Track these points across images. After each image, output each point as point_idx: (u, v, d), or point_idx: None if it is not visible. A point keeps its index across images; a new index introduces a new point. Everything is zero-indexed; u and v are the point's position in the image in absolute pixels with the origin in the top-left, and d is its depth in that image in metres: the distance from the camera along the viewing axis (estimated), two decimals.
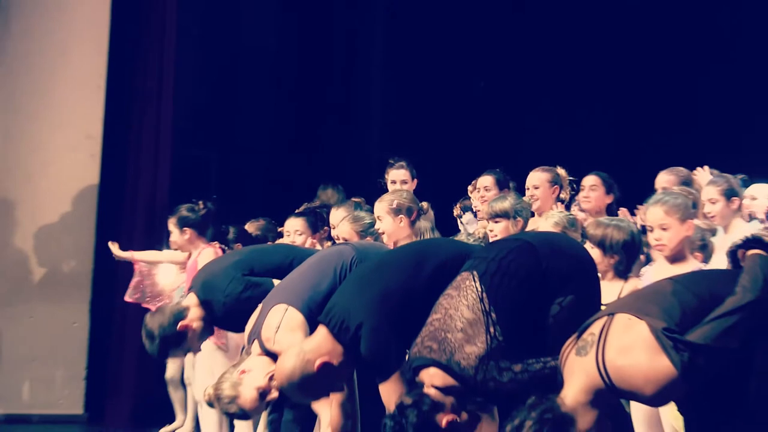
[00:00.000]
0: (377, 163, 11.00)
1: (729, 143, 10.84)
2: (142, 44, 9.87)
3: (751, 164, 8.12)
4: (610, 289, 6.07)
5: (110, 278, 9.44)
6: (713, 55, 11.12)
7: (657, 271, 5.80)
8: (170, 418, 8.89)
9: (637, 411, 5.75)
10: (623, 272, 5.92)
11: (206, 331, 5.77)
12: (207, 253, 7.45)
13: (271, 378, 5.11)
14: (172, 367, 8.54)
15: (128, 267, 8.93)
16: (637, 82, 11.28)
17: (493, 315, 4.23)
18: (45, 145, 9.52)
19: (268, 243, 7.96)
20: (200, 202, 7.64)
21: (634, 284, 5.70)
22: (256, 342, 5.23)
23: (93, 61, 9.65)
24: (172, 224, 7.65)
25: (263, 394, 5.12)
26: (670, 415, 5.47)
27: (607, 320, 3.96)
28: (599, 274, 6.16)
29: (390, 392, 4.61)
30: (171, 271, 8.45)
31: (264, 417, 7.93)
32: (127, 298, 8.48)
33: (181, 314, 5.67)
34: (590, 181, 7.63)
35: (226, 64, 10.46)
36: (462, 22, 11.17)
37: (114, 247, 8.53)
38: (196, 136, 10.88)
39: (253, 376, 5.15)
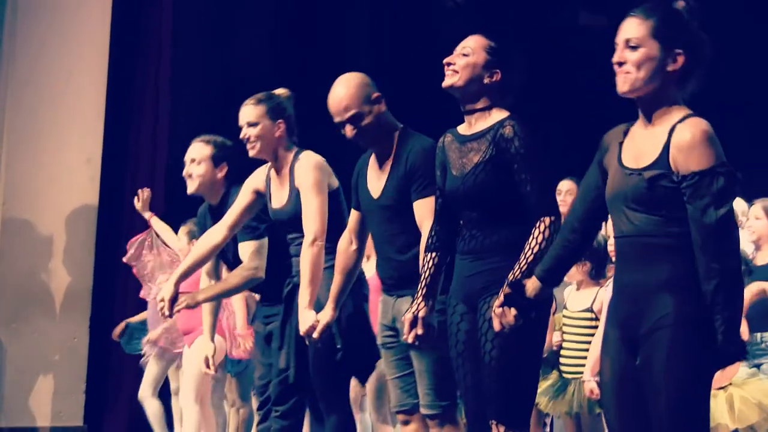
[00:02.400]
0: None
1: None
2: (139, 73, 10.13)
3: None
4: (587, 296, 6.50)
5: (109, 295, 9.71)
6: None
7: None
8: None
9: None
10: (596, 276, 6.33)
11: None
12: (209, 266, 7.80)
13: None
14: (176, 381, 8.66)
15: (126, 285, 9.27)
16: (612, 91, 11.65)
17: None
18: (47, 168, 9.67)
19: None
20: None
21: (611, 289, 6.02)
22: None
23: (93, 89, 9.83)
24: (182, 232, 8.01)
25: None
26: None
27: None
28: (575, 284, 6.63)
29: (424, 210, 4.80)
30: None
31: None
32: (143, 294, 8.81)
33: None
34: (566, 185, 7.88)
35: (222, 90, 10.57)
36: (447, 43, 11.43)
37: (138, 203, 8.84)
38: None
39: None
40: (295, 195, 5.58)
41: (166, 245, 8.77)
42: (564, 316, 6.60)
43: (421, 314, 4.55)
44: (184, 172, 6.26)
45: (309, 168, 5.53)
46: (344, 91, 5.07)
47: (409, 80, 10.41)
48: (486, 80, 4.48)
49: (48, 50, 9.74)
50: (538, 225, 4.28)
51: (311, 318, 5.24)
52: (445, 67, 4.54)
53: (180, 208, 8.91)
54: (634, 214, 3.70)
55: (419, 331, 4.55)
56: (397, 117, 5.18)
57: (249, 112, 5.69)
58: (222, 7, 11.38)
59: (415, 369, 4.99)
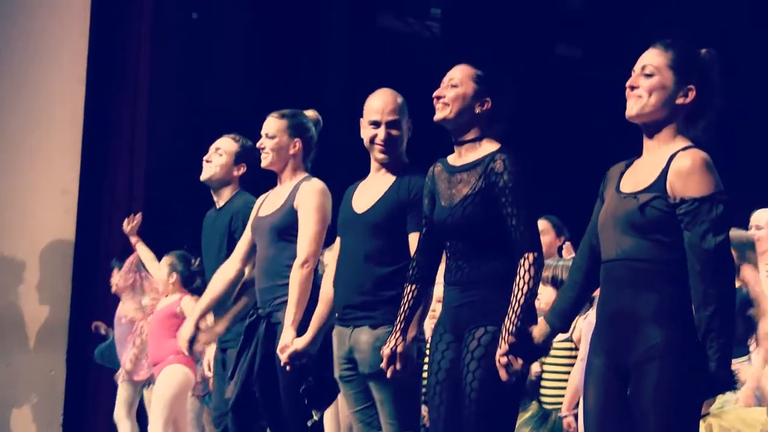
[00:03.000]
0: None
1: None
2: (116, 104, 10.12)
3: None
4: None
5: (86, 328, 9.58)
6: None
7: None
8: None
9: None
10: None
11: None
12: (187, 301, 7.80)
13: None
14: None
15: (103, 318, 9.22)
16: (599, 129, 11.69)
17: None
18: (23, 200, 9.63)
19: None
20: (198, 259, 8.00)
21: (590, 320, 5.88)
22: None
23: (69, 121, 9.81)
24: (165, 263, 7.97)
25: None
26: None
27: None
28: None
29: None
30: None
31: None
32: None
33: None
34: (541, 225, 7.85)
35: (196, 125, 10.60)
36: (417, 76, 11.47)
37: (128, 226, 8.79)
38: (168, 191, 11.04)
39: None
40: (287, 211, 5.61)
41: (147, 272, 8.73)
42: None
43: (399, 349, 4.56)
44: (205, 158, 6.37)
45: (316, 192, 5.58)
46: (391, 97, 5.10)
47: None
48: (477, 110, 4.50)
49: (24, 81, 9.71)
50: (522, 263, 4.29)
51: (289, 338, 5.29)
52: (435, 101, 4.56)
53: (157, 238, 8.94)
54: (624, 238, 3.72)
55: (398, 366, 4.56)
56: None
57: (270, 124, 5.77)
58: (199, 43, 11.41)
59: (375, 400, 4.99)
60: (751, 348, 6.31)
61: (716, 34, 10.10)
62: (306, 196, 5.56)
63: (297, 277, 5.39)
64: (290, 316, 5.35)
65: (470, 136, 4.52)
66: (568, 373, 6.36)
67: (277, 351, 5.33)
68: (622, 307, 3.72)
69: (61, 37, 9.85)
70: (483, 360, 4.25)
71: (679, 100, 3.77)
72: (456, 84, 4.52)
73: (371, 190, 5.12)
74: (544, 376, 6.57)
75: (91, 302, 9.69)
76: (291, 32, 11.89)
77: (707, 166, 3.66)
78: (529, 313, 4.21)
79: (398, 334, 4.57)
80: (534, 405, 6.57)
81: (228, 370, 5.81)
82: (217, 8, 11.91)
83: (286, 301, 5.47)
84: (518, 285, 4.24)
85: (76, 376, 9.81)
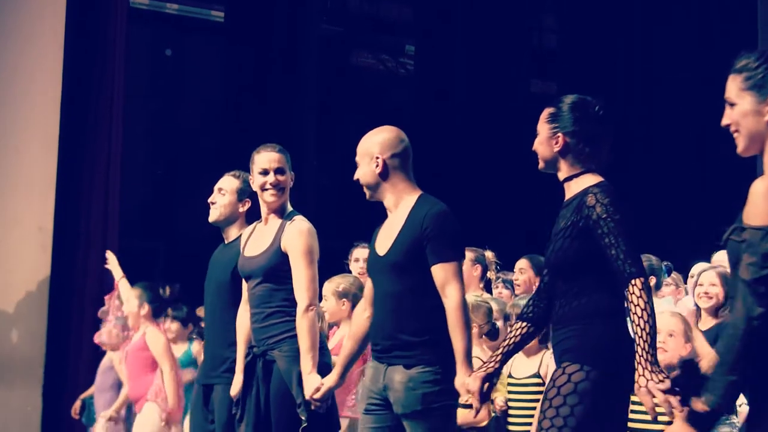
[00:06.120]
0: None
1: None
2: (90, 141, 10.19)
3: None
4: (534, 361, 6.53)
5: (62, 364, 9.65)
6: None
7: None
8: None
9: None
10: (544, 341, 6.38)
11: None
12: (152, 332, 7.78)
13: None
14: None
15: (79, 354, 9.23)
16: None
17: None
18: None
19: None
20: (168, 287, 7.99)
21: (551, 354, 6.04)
22: None
23: (44, 158, 9.85)
24: (134, 295, 7.84)
25: None
26: None
27: None
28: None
29: (445, 274, 4.80)
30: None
31: None
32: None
33: None
34: (520, 264, 7.91)
35: (170, 159, 10.65)
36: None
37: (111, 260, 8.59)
38: (143, 228, 11.08)
39: None
40: (274, 252, 5.63)
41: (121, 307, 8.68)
42: (510, 384, 6.56)
43: (494, 380, 4.49)
44: (209, 200, 6.40)
45: (303, 234, 5.60)
46: (392, 133, 5.11)
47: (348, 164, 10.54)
48: (555, 148, 4.47)
49: (1, 123, 9.73)
50: (631, 290, 4.10)
51: (316, 382, 5.31)
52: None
53: (132, 274, 8.97)
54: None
55: (485, 389, 4.48)
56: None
57: (275, 158, 5.76)
58: (173, 80, 11.47)
59: None
60: None
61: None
62: (293, 239, 5.57)
63: (304, 324, 5.42)
64: (308, 363, 5.37)
65: (562, 174, 4.47)
66: (534, 408, 6.37)
67: (307, 397, 5.33)
68: None
69: (34, 74, 9.90)
70: (557, 399, 4.23)
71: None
72: (537, 132, 4.56)
73: (389, 229, 5.04)
74: (511, 413, 6.56)
75: (66, 338, 9.70)
76: (265, 70, 11.95)
77: None
78: (654, 340, 4.03)
79: (497, 364, 4.49)
80: None
81: (234, 410, 5.80)
82: (191, 45, 11.97)
83: (280, 340, 5.55)
84: (636, 315, 4.05)
85: (52, 412, 9.80)
